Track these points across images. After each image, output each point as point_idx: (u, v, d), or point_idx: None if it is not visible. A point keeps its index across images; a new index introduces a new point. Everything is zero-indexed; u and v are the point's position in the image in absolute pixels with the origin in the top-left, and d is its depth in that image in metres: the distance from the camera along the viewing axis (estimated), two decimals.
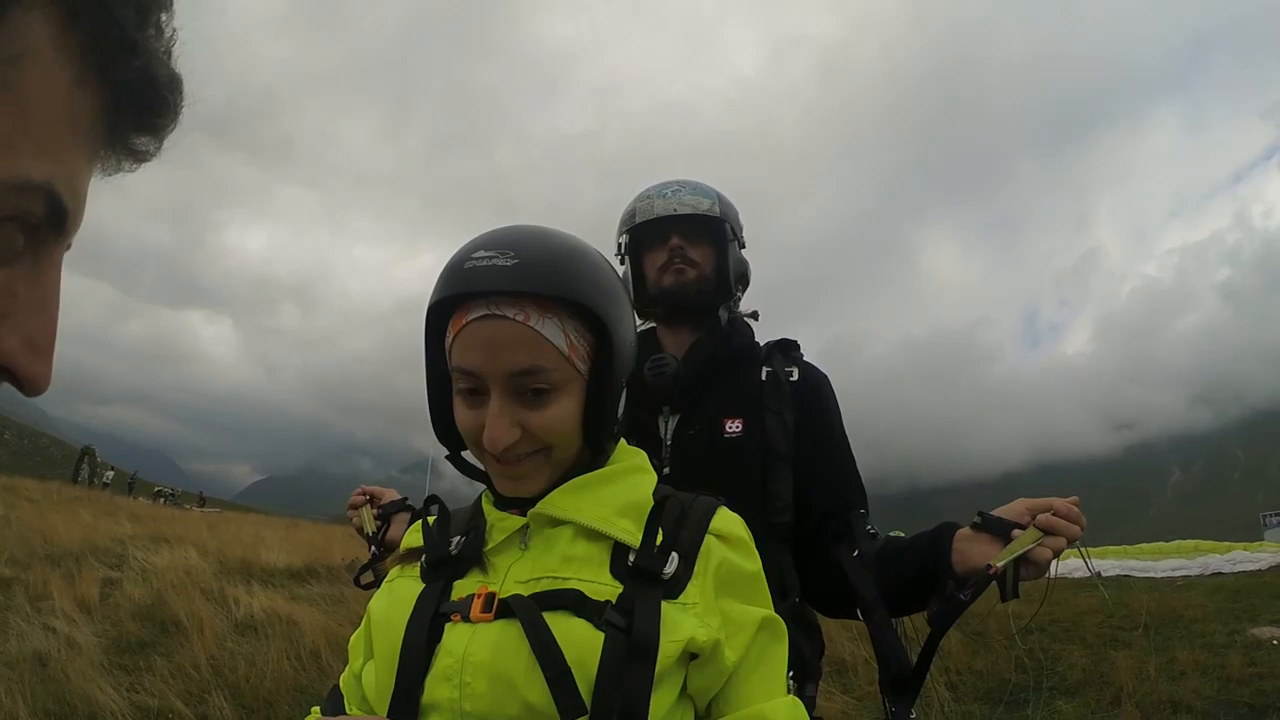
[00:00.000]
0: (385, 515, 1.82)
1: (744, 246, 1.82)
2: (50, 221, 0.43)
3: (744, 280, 1.82)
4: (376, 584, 1.52)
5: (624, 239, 1.78)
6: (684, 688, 0.92)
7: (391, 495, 1.88)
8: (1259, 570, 14.32)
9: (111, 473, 39.45)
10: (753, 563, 1.00)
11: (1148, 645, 7.50)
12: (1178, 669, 6.71)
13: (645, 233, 1.76)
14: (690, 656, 0.91)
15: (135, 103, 0.45)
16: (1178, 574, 14.54)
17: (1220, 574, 14.34)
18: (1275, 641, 7.52)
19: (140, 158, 0.48)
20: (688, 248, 1.73)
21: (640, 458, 1.08)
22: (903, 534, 1.55)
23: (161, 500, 36.46)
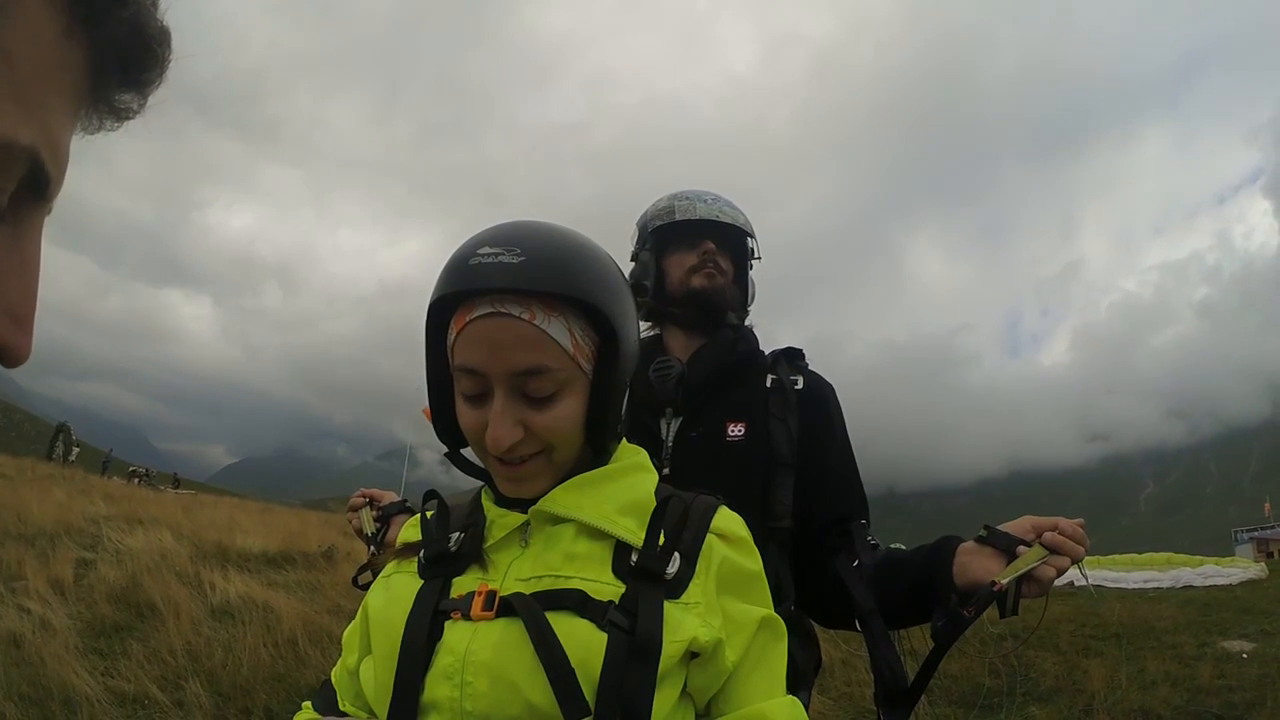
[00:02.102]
0: (385, 517, 1.86)
1: (759, 260, 1.86)
2: (31, 186, 0.41)
3: (753, 298, 1.86)
4: None
5: (652, 232, 1.78)
6: (684, 687, 0.92)
7: (391, 497, 1.92)
8: (1230, 585, 14.52)
9: (77, 449, 38.41)
10: (753, 562, 1.00)
11: (1119, 655, 7.61)
12: (1149, 679, 6.81)
13: (676, 232, 1.77)
14: (691, 655, 0.90)
15: (123, 56, 0.44)
16: (1149, 585, 14.72)
17: (1191, 587, 14.54)
18: (1245, 655, 7.63)
19: (123, 115, 0.46)
20: (719, 256, 1.76)
21: (641, 456, 1.07)
22: (903, 546, 1.54)
23: (135, 480, 35.99)
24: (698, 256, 1.74)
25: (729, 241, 1.79)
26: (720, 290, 1.74)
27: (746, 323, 1.85)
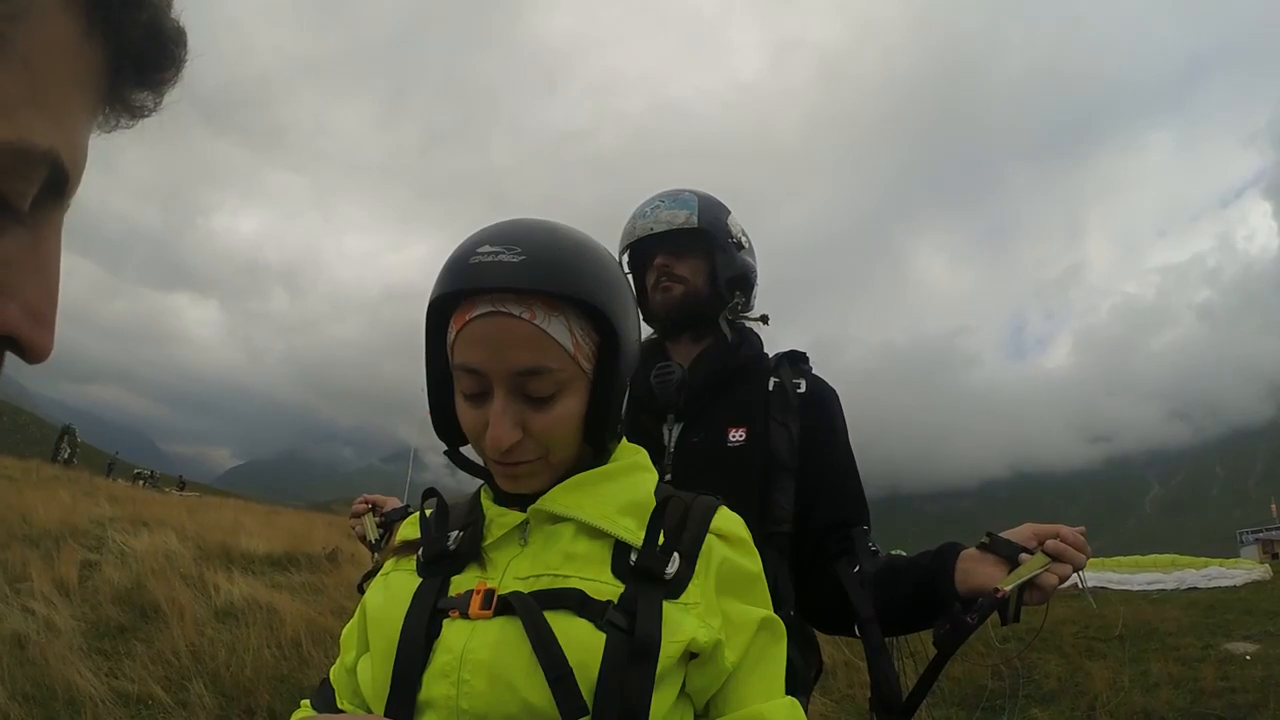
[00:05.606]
0: (388, 523, 1.87)
1: (743, 248, 1.77)
2: (51, 187, 0.41)
3: (742, 283, 1.76)
4: None
5: (624, 258, 1.78)
6: (683, 687, 0.91)
7: (394, 503, 1.93)
8: (1234, 586, 14.49)
9: (69, 451, 37.61)
10: (753, 562, 0.99)
11: (1123, 656, 7.60)
12: (1151, 681, 6.80)
13: (637, 253, 1.78)
14: (690, 656, 0.90)
15: (140, 57, 0.44)
16: (1154, 587, 14.68)
17: (1196, 589, 14.50)
18: (1248, 656, 7.61)
19: (139, 113, 0.47)
20: (674, 264, 1.72)
21: (641, 455, 1.07)
22: (905, 552, 1.54)
23: (141, 482, 36.03)
24: (656, 272, 1.73)
25: (685, 244, 1.72)
26: (673, 302, 1.71)
27: (755, 314, 1.81)
